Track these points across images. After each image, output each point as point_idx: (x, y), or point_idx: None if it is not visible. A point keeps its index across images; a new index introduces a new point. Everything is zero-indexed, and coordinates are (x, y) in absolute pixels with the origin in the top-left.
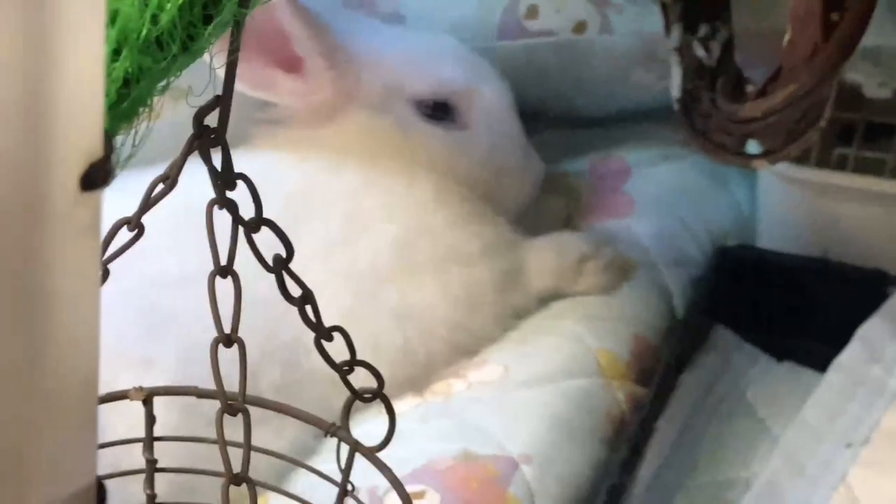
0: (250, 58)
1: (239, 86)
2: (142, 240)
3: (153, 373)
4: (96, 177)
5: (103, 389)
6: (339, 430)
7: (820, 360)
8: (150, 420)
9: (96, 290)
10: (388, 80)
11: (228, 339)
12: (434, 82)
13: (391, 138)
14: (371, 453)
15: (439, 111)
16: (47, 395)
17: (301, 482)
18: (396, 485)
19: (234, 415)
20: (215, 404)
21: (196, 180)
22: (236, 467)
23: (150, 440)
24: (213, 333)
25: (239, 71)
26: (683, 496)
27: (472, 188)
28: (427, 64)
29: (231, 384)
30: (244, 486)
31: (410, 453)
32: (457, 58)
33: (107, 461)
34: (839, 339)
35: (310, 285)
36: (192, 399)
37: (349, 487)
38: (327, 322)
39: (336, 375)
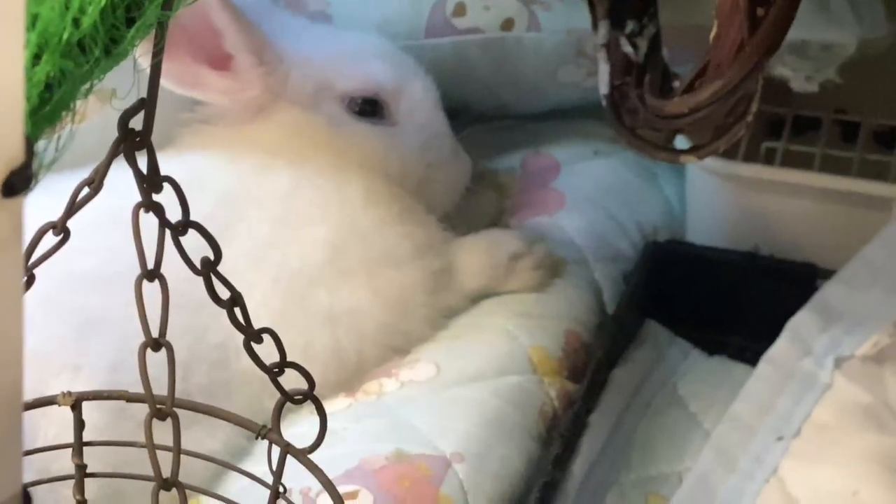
0: (178, 55)
1: (167, 83)
2: (69, 241)
3: (82, 377)
4: (17, 183)
5: (33, 395)
6: (269, 432)
7: (750, 354)
8: (80, 425)
9: (19, 297)
10: (317, 77)
11: (157, 343)
12: (363, 79)
13: (321, 136)
14: (303, 455)
15: (368, 107)
16: None
17: (234, 485)
18: (328, 486)
19: (164, 419)
20: (144, 408)
21: (120, 182)
22: (167, 471)
23: (79, 445)
24: (142, 337)
25: (167, 68)
26: (616, 492)
27: (401, 184)
28: (355, 61)
29: (160, 387)
30: (173, 490)
31: (343, 453)
32: (384, 55)
33: (35, 466)
34: (769, 333)
35: (240, 288)
36: (122, 403)
37: (281, 489)
38: (257, 325)
39: (267, 377)
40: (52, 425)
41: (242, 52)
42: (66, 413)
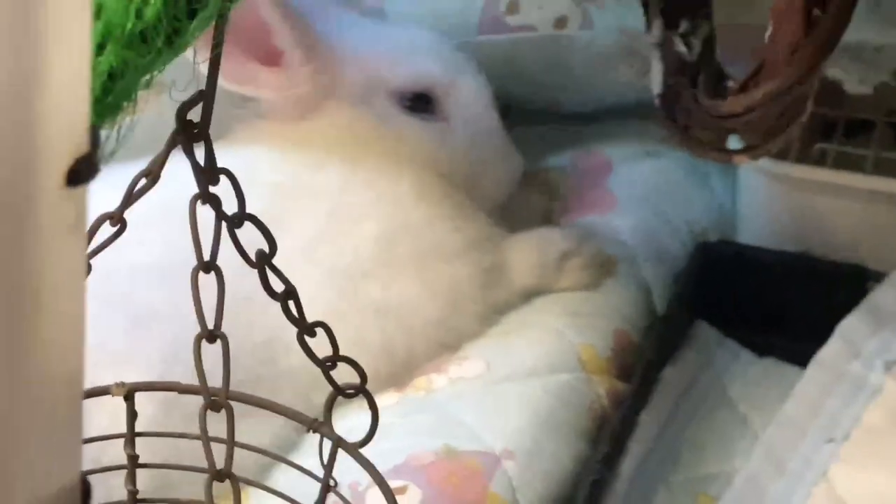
0: (229, 51)
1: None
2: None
3: (135, 368)
4: (82, 172)
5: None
6: (321, 426)
7: (800, 356)
8: (132, 416)
9: (82, 285)
10: (369, 73)
11: (211, 335)
12: (414, 74)
13: (372, 131)
14: (354, 449)
15: (419, 103)
16: (32, 392)
17: (283, 477)
18: (379, 481)
19: (218, 410)
20: (195, 400)
21: (178, 173)
22: (219, 463)
23: (131, 436)
24: (195, 329)
25: None
26: (665, 491)
27: (451, 181)
28: (407, 57)
29: (212, 380)
30: (226, 481)
31: (392, 448)
32: (435, 50)
33: (88, 456)
34: (819, 335)
35: (292, 281)
36: (172, 394)
37: (331, 483)
38: (310, 318)
39: (315, 370)
40: (104, 416)
41: (292, 48)
42: (116, 404)
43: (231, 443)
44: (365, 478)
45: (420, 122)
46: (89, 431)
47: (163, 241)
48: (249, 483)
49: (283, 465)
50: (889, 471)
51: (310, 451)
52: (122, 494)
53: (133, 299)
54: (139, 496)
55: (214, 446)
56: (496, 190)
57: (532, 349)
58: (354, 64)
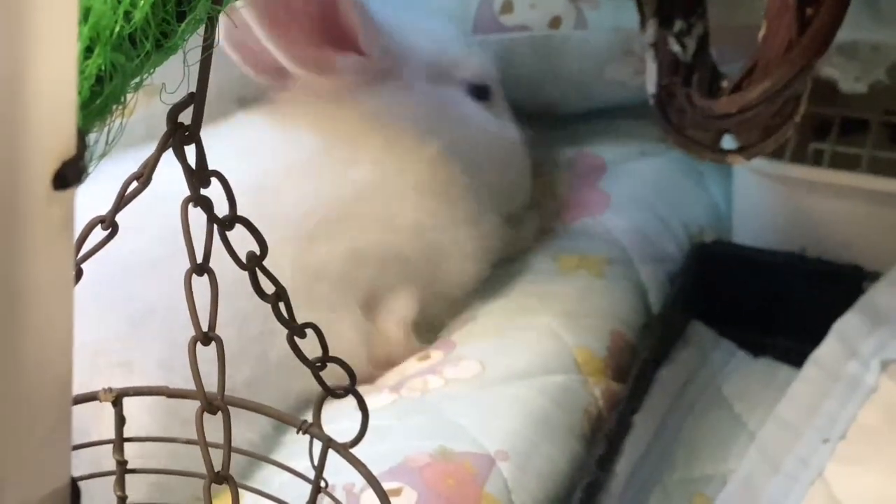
0: (300, 38)
1: (288, 64)
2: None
3: (133, 374)
4: (69, 175)
5: (82, 390)
6: (311, 427)
7: (796, 356)
8: (120, 421)
9: (70, 289)
10: (437, 60)
11: (206, 338)
12: (481, 67)
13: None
14: (345, 449)
15: (482, 94)
16: (20, 395)
17: (272, 479)
18: (372, 481)
19: (214, 413)
20: (187, 403)
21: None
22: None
23: (119, 442)
24: (190, 331)
25: (287, 49)
26: (660, 492)
27: (510, 165)
28: (472, 50)
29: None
30: (215, 485)
31: (387, 450)
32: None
33: (88, 462)
34: (815, 335)
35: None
36: (166, 398)
37: (323, 484)
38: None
39: (302, 368)
40: (103, 423)
41: (365, 31)
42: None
43: (228, 446)
44: (360, 479)
45: (488, 110)
46: (91, 437)
47: (154, 236)
48: (244, 488)
49: (268, 467)
50: (885, 470)
51: (292, 450)
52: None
53: (129, 295)
54: (131, 502)
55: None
56: (524, 193)
57: (527, 350)
58: (418, 50)
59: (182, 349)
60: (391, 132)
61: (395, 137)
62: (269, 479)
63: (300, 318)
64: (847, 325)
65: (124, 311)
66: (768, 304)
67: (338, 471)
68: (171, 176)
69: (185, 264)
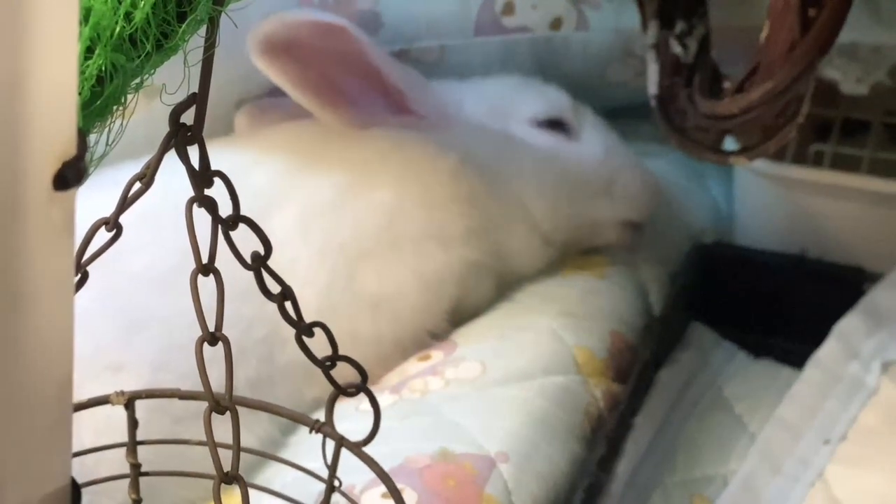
0: (352, 101)
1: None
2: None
3: (125, 376)
4: (70, 176)
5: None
6: (323, 426)
7: (797, 357)
8: (133, 424)
9: (70, 290)
10: (492, 104)
11: (213, 338)
12: (546, 102)
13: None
14: (357, 448)
15: (555, 127)
16: (20, 395)
17: (274, 480)
18: (384, 478)
19: (223, 413)
20: (184, 404)
21: (169, 173)
22: (210, 468)
23: (133, 444)
24: (190, 334)
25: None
26: (661, 493)
27: (583, 192)
28: (535, 90)
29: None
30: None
31: (388, 452)
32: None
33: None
34: (816, 336)
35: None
36: (161, 400)
37: (336, 483)
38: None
39: (311, 367)
40: (88, 432)
41: (410, 95)
42: (99, 417)
43: (237, 446)
44: (360, 480)
45: (557, 141)
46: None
47: (157, 241)
48: (255, 487)
49: (269, 468)
50: (886, 472)
51: (297, 450)
52: None
53: (128, 303)
54: None
55: (202, 450)
56: (632, 201)
57: (528, 351)
58: (473, 102)
59: (177, 351)
60: (409, 153)
61: (413, 156)
62: (272, 480)
63: None
64: (848, 327)
65: (117, 314)
66: (769, 305)
67: (340, 471)
68: (172, 179)
69: (183, 268)
